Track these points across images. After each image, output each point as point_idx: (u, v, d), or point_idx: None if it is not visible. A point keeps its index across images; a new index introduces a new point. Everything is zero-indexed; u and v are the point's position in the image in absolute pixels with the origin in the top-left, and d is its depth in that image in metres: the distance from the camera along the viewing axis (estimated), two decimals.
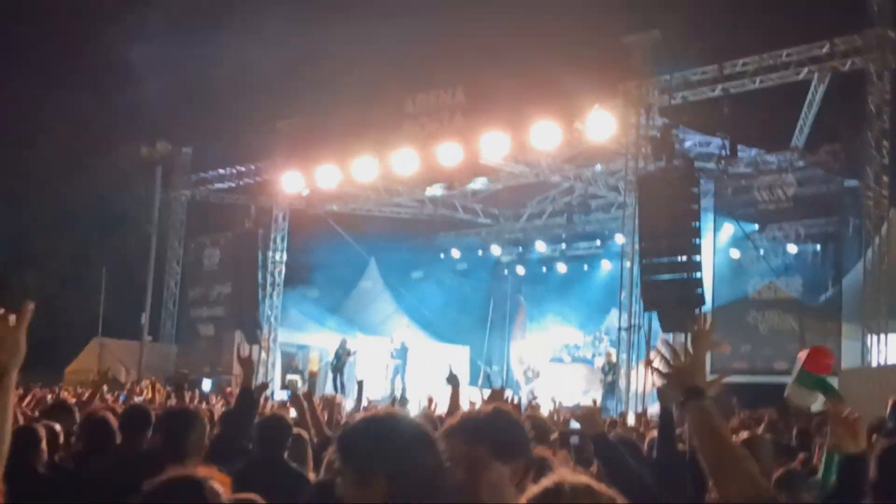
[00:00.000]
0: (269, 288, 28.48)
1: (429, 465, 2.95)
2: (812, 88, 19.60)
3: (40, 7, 33.52)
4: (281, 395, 18.19)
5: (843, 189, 19.26)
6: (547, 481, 2.48)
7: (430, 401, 16.13)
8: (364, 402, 17.16)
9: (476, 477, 3.17)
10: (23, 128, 33.34)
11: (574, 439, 5.66)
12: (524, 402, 18.75)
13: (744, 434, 6.37)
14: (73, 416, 6.84)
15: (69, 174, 32.44)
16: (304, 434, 6.70)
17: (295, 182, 26.33)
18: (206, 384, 22.50)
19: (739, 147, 20.30)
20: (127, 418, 6.04)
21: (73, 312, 31.07)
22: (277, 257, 28.66)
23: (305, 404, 7.82)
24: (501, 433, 3.27)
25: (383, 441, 2.94)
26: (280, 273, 28.72)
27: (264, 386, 10.11)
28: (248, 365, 6.51)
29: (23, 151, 32.93)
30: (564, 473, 2.51)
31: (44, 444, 5.57)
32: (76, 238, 32.68)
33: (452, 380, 6.99)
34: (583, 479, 2.50)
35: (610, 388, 23.69)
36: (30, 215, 32.67)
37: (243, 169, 28.97)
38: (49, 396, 11.89)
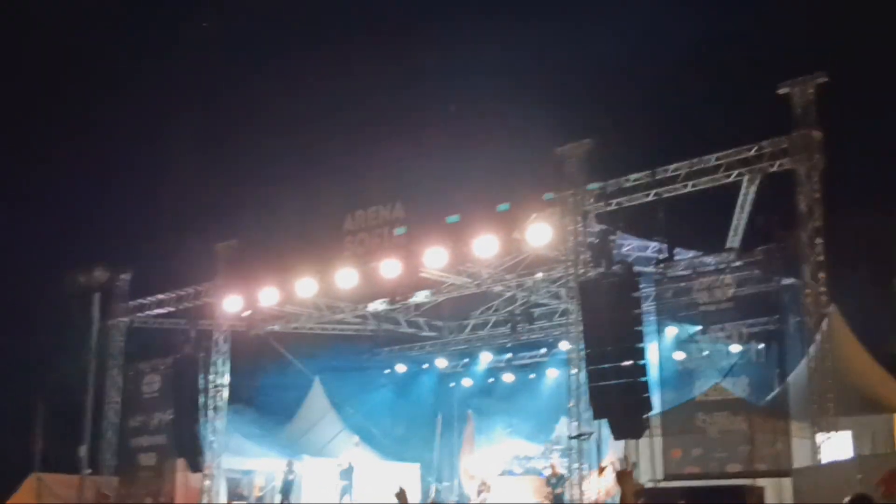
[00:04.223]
0: (211, 413, 27.85)
1: None
2: (743, 190, 19.89)
3: None
4: None
5: (782, 287, 19.37)
6: None
7: None
8: None
9: None
10: None
11: None
12: None
13: None
14: None
15: (2, 304, 31.84)
16: None
17: (235, 304, 26.06)
18: None
19: (677, 250, 20.44)
20: None
21: (9, 448, 30.11)
22: (219, 381, 28.09)
23: None
24: None
25: None
26: (222, 397, 28.09)
27: None
28: None
29: None
30: None
31: None
32: (11, 370, 31.84)
33: (401, 498, 6.54)
34: None
35: (558, 501, 23.33)
36: None
37: (182, 293, 28.56)
38: None
